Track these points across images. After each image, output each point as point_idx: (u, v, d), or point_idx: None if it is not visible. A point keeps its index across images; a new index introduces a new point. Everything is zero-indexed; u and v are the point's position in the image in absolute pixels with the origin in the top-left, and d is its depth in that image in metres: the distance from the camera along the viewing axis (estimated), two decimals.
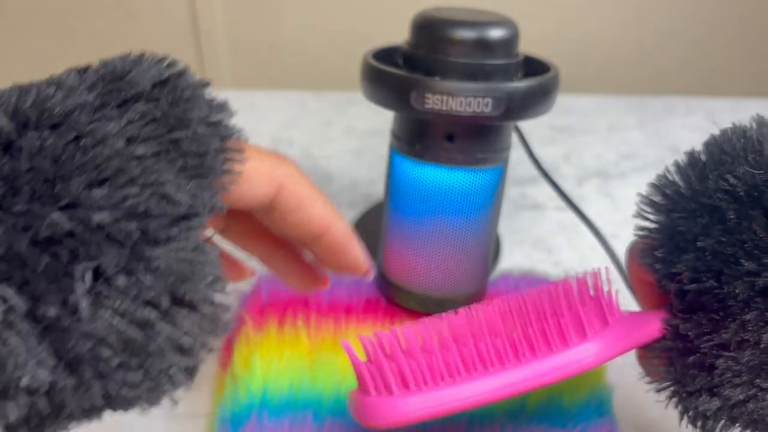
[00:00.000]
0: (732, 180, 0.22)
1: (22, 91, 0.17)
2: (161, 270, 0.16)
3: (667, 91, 0.82)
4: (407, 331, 0.23)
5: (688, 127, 0.72)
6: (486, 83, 0.33)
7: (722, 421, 0.23)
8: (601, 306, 0.24)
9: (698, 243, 0.23)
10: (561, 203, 0.53)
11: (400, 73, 0.34)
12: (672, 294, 0.24)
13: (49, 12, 0.79)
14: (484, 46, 0.34)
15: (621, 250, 0.47)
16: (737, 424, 0.23)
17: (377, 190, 0.59)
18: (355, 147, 0.66)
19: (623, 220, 0.56)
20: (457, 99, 0.33)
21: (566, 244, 0.52)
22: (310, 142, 0.67)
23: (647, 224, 0.25)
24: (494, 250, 0.50)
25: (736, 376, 0.22)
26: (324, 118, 0.72)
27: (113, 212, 0.16)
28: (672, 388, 0.24)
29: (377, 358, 0.22)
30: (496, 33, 0.34)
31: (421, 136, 0.36)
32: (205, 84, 0.21)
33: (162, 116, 0.19)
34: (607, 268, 0.25)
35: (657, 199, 0.25)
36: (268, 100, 0.75)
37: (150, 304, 0.16)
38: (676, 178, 0.25)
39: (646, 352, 0.25)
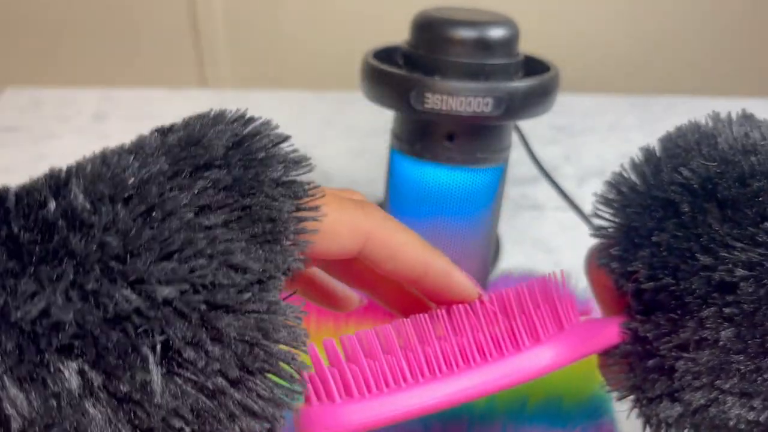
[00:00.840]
0: (686, 173, 0.22)
1: (104, 161, 0.18)
2: (230, 338, 0.17)
3: (668, 91, 0.82)
4: (350, 338, 0.22)
5: None
6: (486, 83, 0.33)
7: (686, 430, 0.22)
8: (556, 311, 0.23)
9: (653, 238, 0.22)
10: (561, 203, 0.53)
11: (400, 73, 0.34)
12: (629, 294, 0.23)
13: (49, 12, 0.79)
14: (484, 45, 0.34)
15: None
16: None
17: (377, 190, 0.59)
18: (355, 147, 0.66)
19: None
20: (457, 99, 0.33)
21: (566, 244, 0.52)
22: (310, 142, 0.67)
23: (603, 223, 0.24)
24: (494, 250, 0.50)
25: (695, 379, 0.21)
26: (324, 117, 0.72)
27: (180, 285, 0.16)
28: (633, 396, 0.23)
29: (319, 366, 0.21)
30: (496, 33, 0.34)
31: (421, 136, 0.36)
32: (282, 139, 0.21)
33: (234, 182, 0.18)
34: (562, 272, 0.24)
35: (612, 196, 0.24)
36: (268, 100, 0.75)
37: (220, 372, 0.16)
38: (632, 174, 0.24)
39: (606, 359, 0.24)
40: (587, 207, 0.53)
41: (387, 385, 0.21)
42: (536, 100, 0.35)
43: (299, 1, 0.79)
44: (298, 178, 0.20)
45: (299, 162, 0.21)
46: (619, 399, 0.24)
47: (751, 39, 0.82)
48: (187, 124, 0.20)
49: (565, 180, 0.61)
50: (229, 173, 0.18)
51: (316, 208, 0.20)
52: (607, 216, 0.24)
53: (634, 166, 0.24)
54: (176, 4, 0.78)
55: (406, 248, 0.23)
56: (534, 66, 0.38)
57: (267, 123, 0.21)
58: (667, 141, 0.24)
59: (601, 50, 0.82)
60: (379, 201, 0.55)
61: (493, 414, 0.33)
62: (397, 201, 0.39)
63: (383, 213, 0.23)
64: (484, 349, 0.22)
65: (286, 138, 0.21)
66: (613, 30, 0.81)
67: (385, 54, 0.38)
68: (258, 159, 0.19)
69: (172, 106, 0.73)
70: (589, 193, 0.60)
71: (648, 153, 0.24)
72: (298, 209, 0.20)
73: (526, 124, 0.49)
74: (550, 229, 0.54)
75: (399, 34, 0.39)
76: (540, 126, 0.68)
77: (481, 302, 0.23)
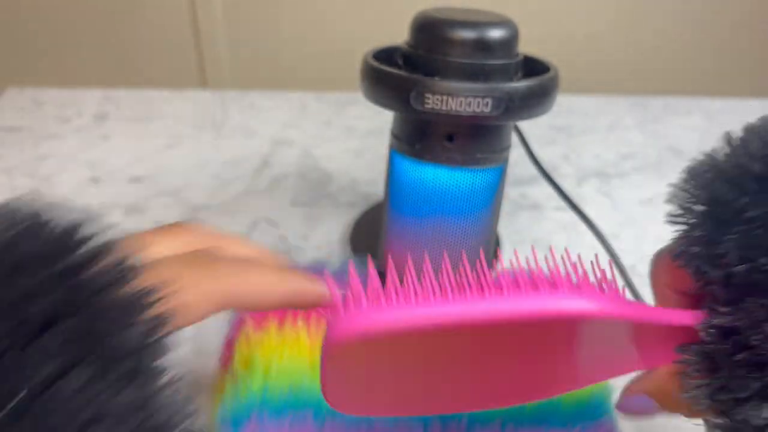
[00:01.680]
0: None
1: None
2: None
3: (667, 91, 0.82)
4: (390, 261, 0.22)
5: (687, 127, 0.72)
6: (486, 83, 0.33)
7: None
8: (601, 286, 0.22)
9: (747, 214, 0.20)
10: (561, 203, 0.53)
11: (399, 73, 0.34)
12: (715, 284, 0.21)
13: (49, 12, 0.79)
14: (483, 46, 0.34)
15: (621, 250, 0.47)
16: None
17: (377, 190, 0.59)
18: (355, 147, 0.66)
19: (623, 219, 0.56)
20: (456, 99, 0.33)
21: (566, 244, 0.52)
22: (310, 142, 0.67)
23: (680, 210, 0.23)
24: (494, 250, 0.50)
25: None
26: (324, 118, 0.72)
27: None
28: (716, 402, 0.21)
29: (353, 281, 0.21)
30: (495, 33, 0.34)
31: (421, 136, 0.36)
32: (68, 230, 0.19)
33: None
34: (596, 256, 0.23)
35: (693, 180, 0.22)
36: (268, 100, 0.75)
37: None
38: (714, 156, 0.22)
39: (683, 365, 0.22)
40: (587, 207, 0.53)
41: (416, 300, 0.21)
42: (536, 100, 0.35)
43: (299, 1, 0.79)
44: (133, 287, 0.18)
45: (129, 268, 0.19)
46: (700, 409, 0.21)
47: (751, 39, 0.82)
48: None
49: (564, 180, 0.61)
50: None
51: (160, 319, 0.19)
52: (687, 199, 0.23)
53: (715, 150, 0.23)
54: (176, 5, 0.79)
55: (262, 290, 0.23)
56: (533, 66, 0.38)
57: (33, 225, 0.18)
58: (750, 128, 0.23)
59: (600, 50, 0.82)
60: (379, 201, 0.55)
61: (492, 414, 0.33)
62: (397, 201, 0.39)
63: (233, 264, 0.23)
64: (521, 288, 0.22)
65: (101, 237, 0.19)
66: (612, 30, 0.81)
67: (385, 54, 0.38)
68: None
69: (173, 107, 0.74)
70: (588, 193, 0.60)
71: (729, 137, 0.23)
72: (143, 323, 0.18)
73: (526, 125, 0.49)
74: (549, 229, 0.54)
75: (399, 34, 0.39)
76: (539, 126, 0.68)
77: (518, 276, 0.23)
